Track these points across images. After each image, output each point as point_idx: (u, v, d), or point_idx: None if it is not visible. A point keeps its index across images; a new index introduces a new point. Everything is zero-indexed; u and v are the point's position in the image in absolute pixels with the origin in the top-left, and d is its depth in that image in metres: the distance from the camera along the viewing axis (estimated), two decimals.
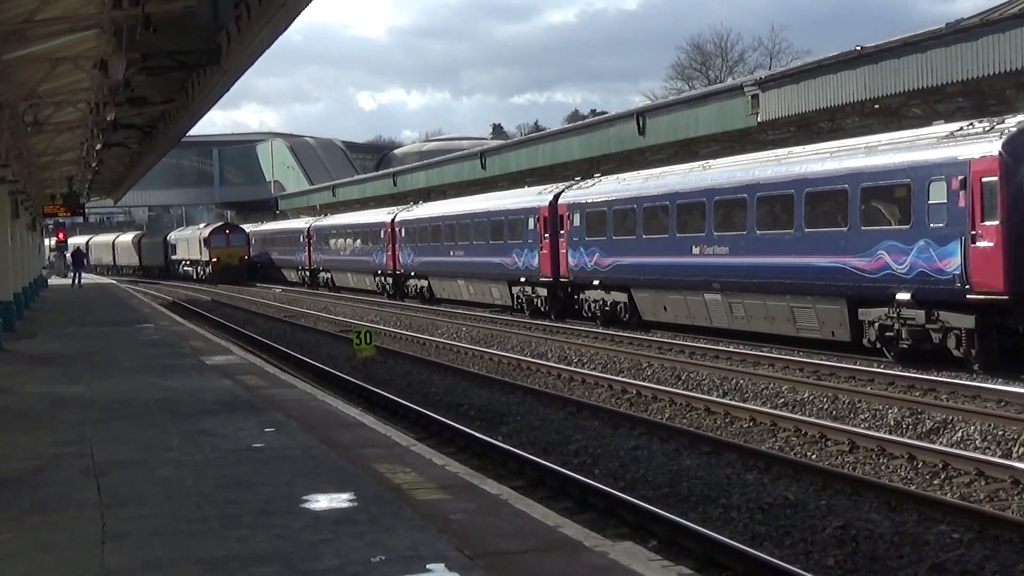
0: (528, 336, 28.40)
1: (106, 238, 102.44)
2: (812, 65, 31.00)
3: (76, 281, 58.57)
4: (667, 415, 16.75)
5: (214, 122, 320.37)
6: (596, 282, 31.16)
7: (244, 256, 72.43)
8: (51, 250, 79.98)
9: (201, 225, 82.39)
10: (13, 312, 28.59)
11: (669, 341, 25.69)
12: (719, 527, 10.20)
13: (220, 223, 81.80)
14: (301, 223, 68.59)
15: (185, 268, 78.94)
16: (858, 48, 28.21)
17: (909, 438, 13.96)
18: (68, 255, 71.12)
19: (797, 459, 13.11)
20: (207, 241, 72.41)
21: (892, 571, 8.97)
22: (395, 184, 65.44)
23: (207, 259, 72.10)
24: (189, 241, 78.51)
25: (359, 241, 54.12)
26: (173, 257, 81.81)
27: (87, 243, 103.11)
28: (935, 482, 11.97)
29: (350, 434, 11.72)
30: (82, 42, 17.71)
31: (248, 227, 79.24)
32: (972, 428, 14.12)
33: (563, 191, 33.94)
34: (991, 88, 26.34)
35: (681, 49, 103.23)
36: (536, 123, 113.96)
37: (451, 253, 41.97)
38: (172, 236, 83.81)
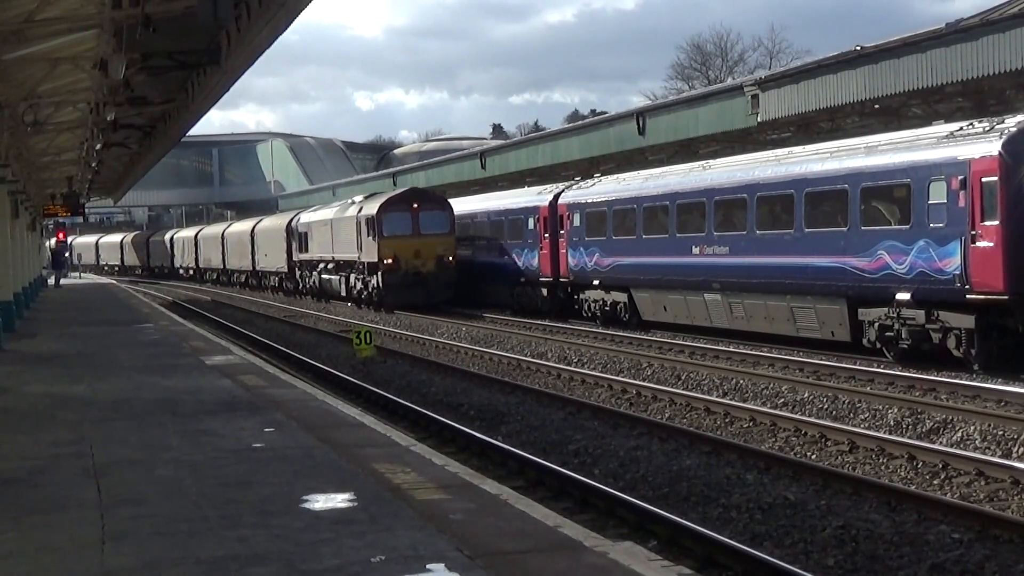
0: (528, 336, 28.39)
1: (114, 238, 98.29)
2: (812, 65, 31.01)
3: (57, 281, 58.36)
4: (667, 415, 16.74)
5: (212, 122, 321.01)
6: (596, 282, 31.16)
7: (449, 255, 38.51)
8: (51, 250, 79.28)
9: (358, 198, 44.99)
10: (13, 312, 28.60)
11: (669, 341, 25.68)
12: (719, 527, 10.19)
13: (401, 190, 43.85)
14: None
15: (325, 277, 45.70)
16: (858, 48, 28.23)
17: (909, 438, 13.95)
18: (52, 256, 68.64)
19: (797, 459, 13.11)
20: (378, 225, 38.74)
21: (892, 571, 8.97)
22: (395, 184, 65.43)
23: (375, 259, 38.94)
24: (335, 227, 44.05)
25: None
26: (301, 257, 49.62)
27: (120, 242, 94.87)
28: (935, 482, 11.96)
29: (350, 434, 11.72)
30: (82, 42, 17.71)
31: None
32: (972, 428, 14.11)
33: (563, 191, 33.95)
34: (991, 88, 26.34)
35: (681, 49, 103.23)
36: (536, 123, 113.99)
37: None
38: (301, 220, 50.52)
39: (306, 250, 48.76)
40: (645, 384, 19.09)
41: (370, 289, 40.24)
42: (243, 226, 63.56)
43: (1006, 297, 18.09)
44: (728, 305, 25.22)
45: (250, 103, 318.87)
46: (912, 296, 19.60)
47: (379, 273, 38.79)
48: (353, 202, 43.88)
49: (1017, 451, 12.99)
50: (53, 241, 72.36)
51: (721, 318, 25.62)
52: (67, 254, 78.88)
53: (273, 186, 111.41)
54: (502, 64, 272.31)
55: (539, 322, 32.50)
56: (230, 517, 8.14)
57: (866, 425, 14.92)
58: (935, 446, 13.23)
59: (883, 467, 12.74)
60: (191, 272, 76.61)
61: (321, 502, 8.55)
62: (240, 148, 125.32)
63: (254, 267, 59.46)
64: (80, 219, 66.10)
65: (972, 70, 24.64)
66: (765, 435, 14.85)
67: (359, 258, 40.77)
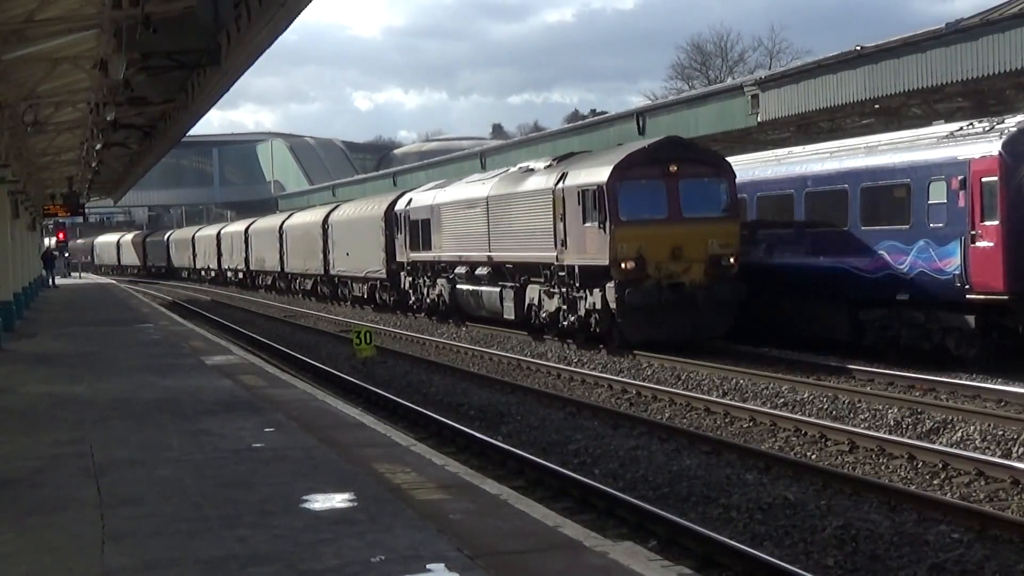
0: (528, 336, 28.35)
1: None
2: (812, 65, 31.04)
3: (51, 282, 58.48)
4: (667, 415, 16.74)
5: (211, 122, 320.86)
6: None
7: (730, 255, 22.70)
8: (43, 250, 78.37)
9: (538, 164, 27.37)
10: (13, 312, 28.61)
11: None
12: (719, 527, 10.19)
13: (648, 141, 25.33)
14: None
15: (466, 288, 30.12)
16: (858, 48, 28.25)
17: (909, 438, 13.95)
18: (64, 255, 68.08)
19: (797, 459, 13.11)
20: (608, 201, 22.34)
21: (892, 571, 8.97)
22: (395, 184, 65.49)
23: (603, 261, 22.64)
24: (497, 208, 27.94)
25: None
26: (416, 256, 33.87)
27: (166, 239, 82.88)
28: (935, 482, 11.96)
29: (350, 434, 11.73)
30: (82, 42, 17.71)
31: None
32: (972, 428, 14.11)
33: None
34: (991, 88, 26.35)
35: (681, 49, 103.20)
36: (536, 123, 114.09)
37: None
38: (413, 203, 34.43)
39: (426, 246, 32.75)
40: (645, 384, 19.09)
41: (584, 312, 24.03)
42: (310, 216, 49.13)
43: (1006, 297, 18.09)
44: None
45: (250, 103, 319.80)
46: (912, 296, 19.59)
47: (609, 285, 22.80)
48: (530, 168, 27.45)
49: (1017, 451, 12.99)
50: (53, 242, 71.85)
51: None
52: (67, 254, 78.69)
53: (273, 186, 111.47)
54: (501, 64, 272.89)
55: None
56: (230, 517, 8.14)
57: (866, 425, 14.92)
58: (935, 446, 13.23)
59: (883, 467, 12.74)
60: (239, 276, 62.66)
61: (321, 502, 8.56)
62: (240, 148, 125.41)
63: (327, 270, 44.85)
64: (80, 219, 65.96)
65: (972, 70, 24.66)
66: (765, 435, 14.85)
67: (557, 259, 24.76)
